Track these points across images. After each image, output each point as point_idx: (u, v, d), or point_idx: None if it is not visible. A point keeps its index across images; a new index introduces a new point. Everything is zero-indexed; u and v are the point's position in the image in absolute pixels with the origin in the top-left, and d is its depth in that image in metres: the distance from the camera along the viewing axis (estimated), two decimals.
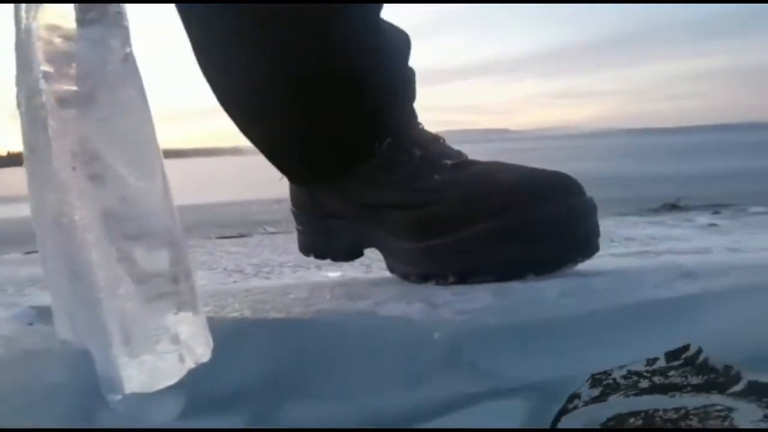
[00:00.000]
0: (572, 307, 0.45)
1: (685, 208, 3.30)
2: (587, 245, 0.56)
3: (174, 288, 0.38)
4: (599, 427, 0.53)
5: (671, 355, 0.46)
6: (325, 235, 0.65)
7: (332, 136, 0.57)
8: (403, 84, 0.62)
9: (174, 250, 0.38)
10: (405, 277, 0.60)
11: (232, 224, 3.80)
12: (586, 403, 0.49)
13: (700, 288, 0.49)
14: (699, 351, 0.46)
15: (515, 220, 0.52)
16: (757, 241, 0.64)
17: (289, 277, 1.34)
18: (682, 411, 0.51)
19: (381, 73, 0.57)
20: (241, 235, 3.09)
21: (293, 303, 0.49)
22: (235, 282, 1.40)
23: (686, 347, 0.46)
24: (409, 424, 0.38)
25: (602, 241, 1.76)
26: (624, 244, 1.55)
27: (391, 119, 0.59)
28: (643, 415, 0.52)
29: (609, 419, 0.50)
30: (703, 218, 2.40)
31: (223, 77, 0.59)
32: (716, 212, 2.96)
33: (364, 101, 0.57)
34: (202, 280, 1.53)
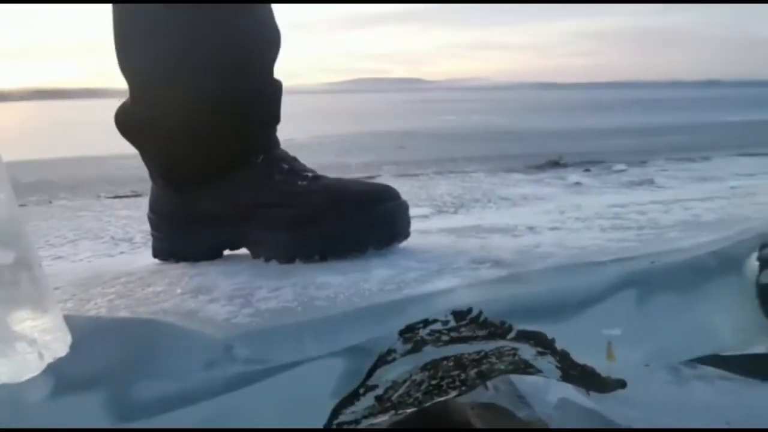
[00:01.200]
0: (390, 292, 0.56)
1: (564, 165, 3.66)
2: (403, 233, 0.74)
3: (18, 290, 0.43)
4: (419, 370, 0.66)
5: (458, 316, 0.58)
6: (186, 238, 0.74)
7: (213, 145, 0.72)
8: (267, 104, 0.74)
9: (19, 251, 0.42)
10: (275, 258, 0.71)
11: (126, 180, 3.58)
12: (403, 355, 0.60)
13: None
14: (480, 312, 0.59)
15: (363, 216, 0.66)
16: (598, 205, 0.79)
17: None
18: (482, 353, 0.65)
19: (246, 96, 0.72)
20: (135, 194, 2.94)
21: (147, 299, 0.55)
22: (122, 253, 1.39)
23: (470, 310, 0.58)
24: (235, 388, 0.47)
25: (481, 202, 1.93)
26: (497, 205, 1.73)
27: (262, 141, 0.76)
28: (453, 358, 0.65)
29: (426, 364, 0.62)
30: (574, 176, 2.71)
31: (132, 78, 0.73)
32: (587, 170, 3.33)
33: (233, 118, 0.73)
34: (85, 252, 1.48)
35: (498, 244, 0.63)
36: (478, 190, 2.15)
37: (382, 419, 0.64)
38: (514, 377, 0.89)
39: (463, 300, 0.54)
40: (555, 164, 3.61)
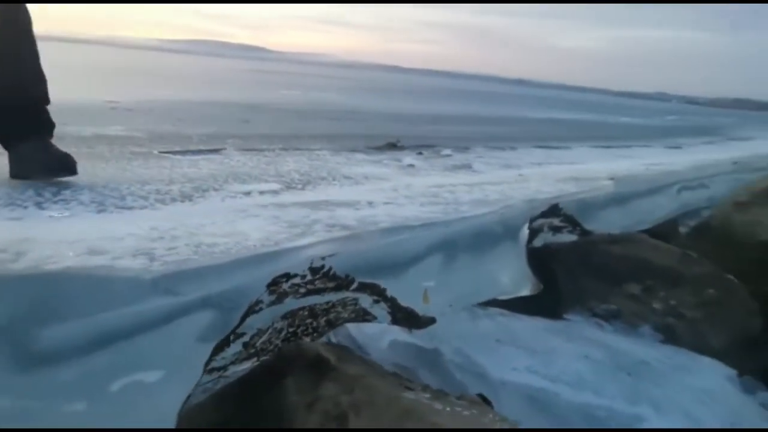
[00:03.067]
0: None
1: (401, 148, 4.03)
2: None
3: None
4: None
5: (314, 271, 0.73)
6: None
7: None
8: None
9: None
10: None
11: None
12: (269, 305, 0.73)
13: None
14: (330, 267, 0.74)
15: None
16: (423, 186, 0.99)
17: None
18: (330, 303, 0.80)
19: None
20: None
21: (41, 260, 0.58)
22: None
23: (322, 266, 0.73)
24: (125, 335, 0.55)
25: (327, 180, 2.08)
26: (340, 182, 1.90)
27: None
28: (307, 308, 0.79)
29: (286, 314, 0.76)
30: (408, 158, 3.03)
31: None
32: (420, 153, 3.74)
33: None
34: None
35: (344, 215, 0.78)
36: (324, 169, 2.30)
37: (247, 365, 0.75)
38: (352, 329, 1.07)
39: (318, 254, 0.68)
40: (393, 146, 3.94)
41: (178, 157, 2.76)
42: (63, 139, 3.44)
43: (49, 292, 0.50)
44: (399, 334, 1.00)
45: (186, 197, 1.53)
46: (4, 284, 0.51)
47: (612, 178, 1.91)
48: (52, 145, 1.86)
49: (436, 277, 0.84)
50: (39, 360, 0.47)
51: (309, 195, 1.21)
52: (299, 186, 1.81)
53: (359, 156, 3.15)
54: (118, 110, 5.46)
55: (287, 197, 1.00)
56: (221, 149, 3.17)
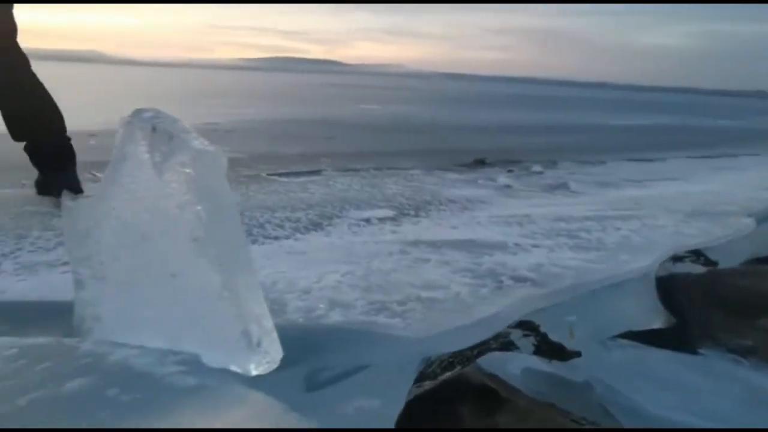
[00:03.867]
0: None
1: (490, 165, 4.05)
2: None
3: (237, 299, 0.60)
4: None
5: (525, 331, 0.80)
6: None
7: None
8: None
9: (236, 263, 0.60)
10: None
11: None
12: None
13: None
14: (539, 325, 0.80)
15: None
16: (543, 219, 1.05)
17: None
18: (487, 342, 0.87)
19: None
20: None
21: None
22: None
23: (538, 327, 0.80)
24: None
25: (434, 205, 2.16)
26: (449, 209, 1.97)
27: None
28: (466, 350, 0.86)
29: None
30: (501, 177, 3.05)
31: None
32: (510, 170, 3.74)
33: None
34: None
35: (513, 264, 0.86)
36: (425, 191, 2.39)
37: (414, 390, 0.84)
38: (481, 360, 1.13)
39: (522, 315, 0.76)
40: (481, 163, 3.97)
41: (284, 179, 2.97)
42: None
43: (322, 339, 0.63)
44: (535, 362, 1.05)
45: (317, 226, 1.66)
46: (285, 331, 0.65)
47: (750, 215, 1.79)
48: (73, 171, 2.28)
49: (576, 311, 0.89)
50: (317, 384, 0.60)
51: (438, 230, 1.28)
52: (411, 212, 1.91)
53: (452, 175, 3.22)
54: (219, 132, 5.93)
55: (416, 231, 1.07)
56: (321, 170, 3.37)
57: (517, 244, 0.97)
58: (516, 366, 0.95)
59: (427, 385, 0.80)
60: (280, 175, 3.14)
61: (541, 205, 1.74)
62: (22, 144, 2.20)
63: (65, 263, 1.29)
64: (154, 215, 0.57)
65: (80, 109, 7.90)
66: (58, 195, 2.21)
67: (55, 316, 0.85)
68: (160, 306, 0.58)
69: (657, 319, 1.04)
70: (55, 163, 2.26)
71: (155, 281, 0.57)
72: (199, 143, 0.60)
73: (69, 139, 2.29)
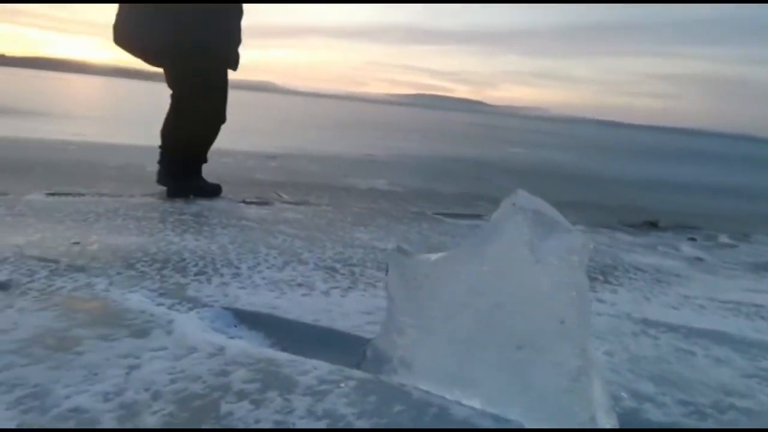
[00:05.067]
0: None
1: (663, 228, 3.68)
2: None
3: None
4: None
5: None
6: None
7: None
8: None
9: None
10: None
11: (234, 181, 3.80)
12: None
13: None
14: None
15: None
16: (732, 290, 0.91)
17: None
18: None
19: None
20: (262, 202, 3.18)
21: None
22: None
23: None
24: None
25: (618, 270, 2.01)
26: (640, 278, 1.82)
27: None
28: None
29: None
30: (685, 247, 2.75)
31: None
32: (692, 239, 3.33)
33: None
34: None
35: None
36: (603, 253, 2.24)
37: None
38: None
39: None
40: (653, 226, 3.63)
41: (449, 220, 3.03)
42: (349, 191, 4.12)
43: None
44: None
45: None
46: None
47: None
48: (201, 178, 2.94)
49: None
50: None
51: (660, 310, 1.17)
52: (600, 277, 1.78)
53: (623, 236, 2.99)
54: (376, 163, 6.31)
55: (631, 305, 1.00)
56: (481, 215, 3.37)
57: None
58: None
59: None
60: (445, 215, 3.20)
61: (760, 290, 1.52)
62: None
63: (301, 284, 1.45)
64: (519, 291, 0.62)
65: (260, 134, 9.02)
66: (189, 195, 2.73)
67: (326, 341, 0.97)
68: (495, 371, 0.62)
69: None
70: (191, 170, 2.89)
71: (498, 348, 0.61)
72: (575, 230, 0.66)
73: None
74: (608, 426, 0.59)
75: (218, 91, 2.88)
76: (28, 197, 2.57)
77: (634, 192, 6.01)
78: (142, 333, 0.99)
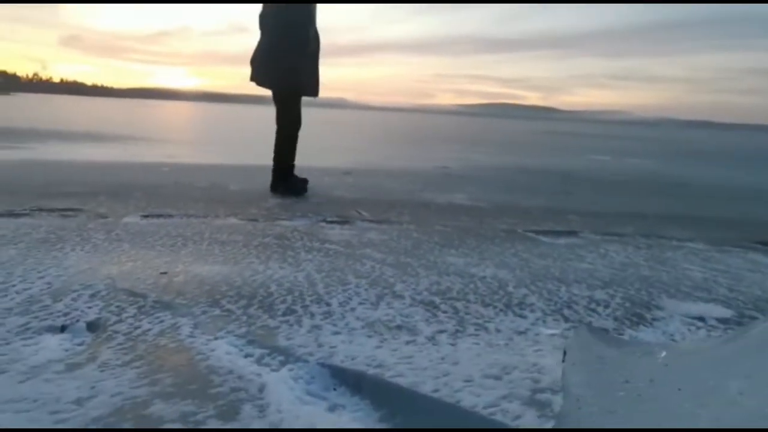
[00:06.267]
0: None
1: None
2: None
3: None
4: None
5: None
6: None
7: None
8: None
9: None
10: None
11: (313, 198, 3.77)
12: None
13: None
14: None
15: None
16: None
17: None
18: None
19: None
20: (344, 221, 3.09)
21: None
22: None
23: None
24: None
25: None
26: None
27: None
28: None
29: None
30: None
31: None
32: None
33: None
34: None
35: None
36: (743, 280, 1.89)
37: None
38: None
39: None
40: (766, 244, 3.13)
41: (544, 239, 2.76)
42: (428, 206, 3.95)
43: None
44: None
45: (640, 319, 1.38)
46: None
47: None
48: (296, 177, 4.07)
49: None
50: None
51: None
52: (753, 312, 1.48)
53: (757, 257, 2.57)
54: (452, 176, 6.09)
55: None
56: (577, 232, 3.06)
57: None
58: None
59: None
60: (537, 232, 2.94)
61: None
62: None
63: (400, 326, 1.28)
64: None
65: (334, 150, 9.10)
66: (284, 193, 3.85)
67: (451, 422, 0.80)
68: None
69: None
70: (286, 175, 4.03)
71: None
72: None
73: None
74: None
75: (299, 114, 4.05)
76: (125, 220, 2.66)
77: (750, 203, 5.33)
78: (230, 410, 0.86)
